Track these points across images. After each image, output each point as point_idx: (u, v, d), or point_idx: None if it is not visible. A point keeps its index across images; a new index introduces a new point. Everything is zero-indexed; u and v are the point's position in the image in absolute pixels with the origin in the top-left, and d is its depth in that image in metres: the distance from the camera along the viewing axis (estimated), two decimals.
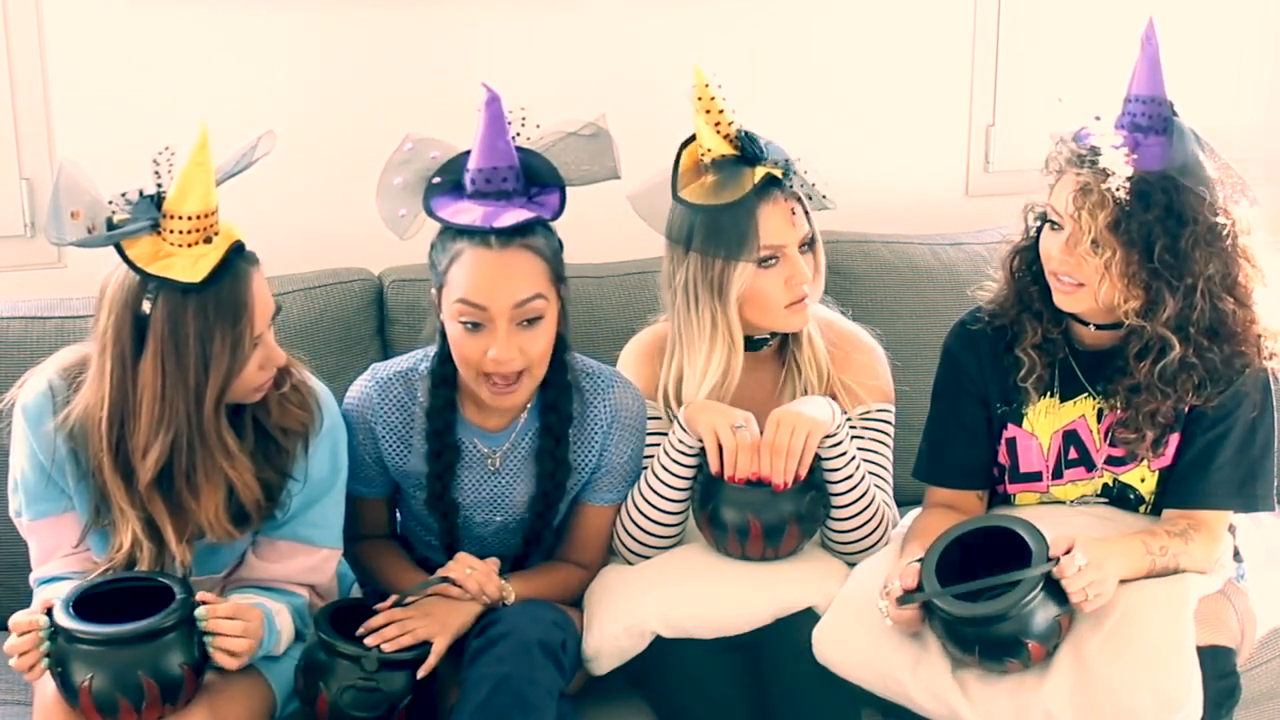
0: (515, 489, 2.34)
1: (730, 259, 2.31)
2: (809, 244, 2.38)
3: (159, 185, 2.00)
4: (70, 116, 2.69)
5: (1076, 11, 3.39)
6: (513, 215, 2.16)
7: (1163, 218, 2.15)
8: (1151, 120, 2.19)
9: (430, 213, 2.21)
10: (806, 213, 2.37)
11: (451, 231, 2.19)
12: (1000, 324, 2.35)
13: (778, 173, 2.32)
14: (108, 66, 2.70)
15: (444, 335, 2.24)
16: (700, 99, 2.31)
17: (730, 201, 2.29)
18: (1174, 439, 2.27)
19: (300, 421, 2.14)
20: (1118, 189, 2.13)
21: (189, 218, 1.97)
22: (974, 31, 3.31)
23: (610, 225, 2.79)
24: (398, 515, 2.47)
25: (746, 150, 2.32)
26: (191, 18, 2.73)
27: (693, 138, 2.36)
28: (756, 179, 2.30)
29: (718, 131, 2.32)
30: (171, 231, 1.98)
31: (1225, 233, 2.17)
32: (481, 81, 2.19)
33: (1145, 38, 2.22)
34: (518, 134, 2.22)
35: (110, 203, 2.01)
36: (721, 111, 2.32)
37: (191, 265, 1.96)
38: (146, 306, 1.97)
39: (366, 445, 2.31)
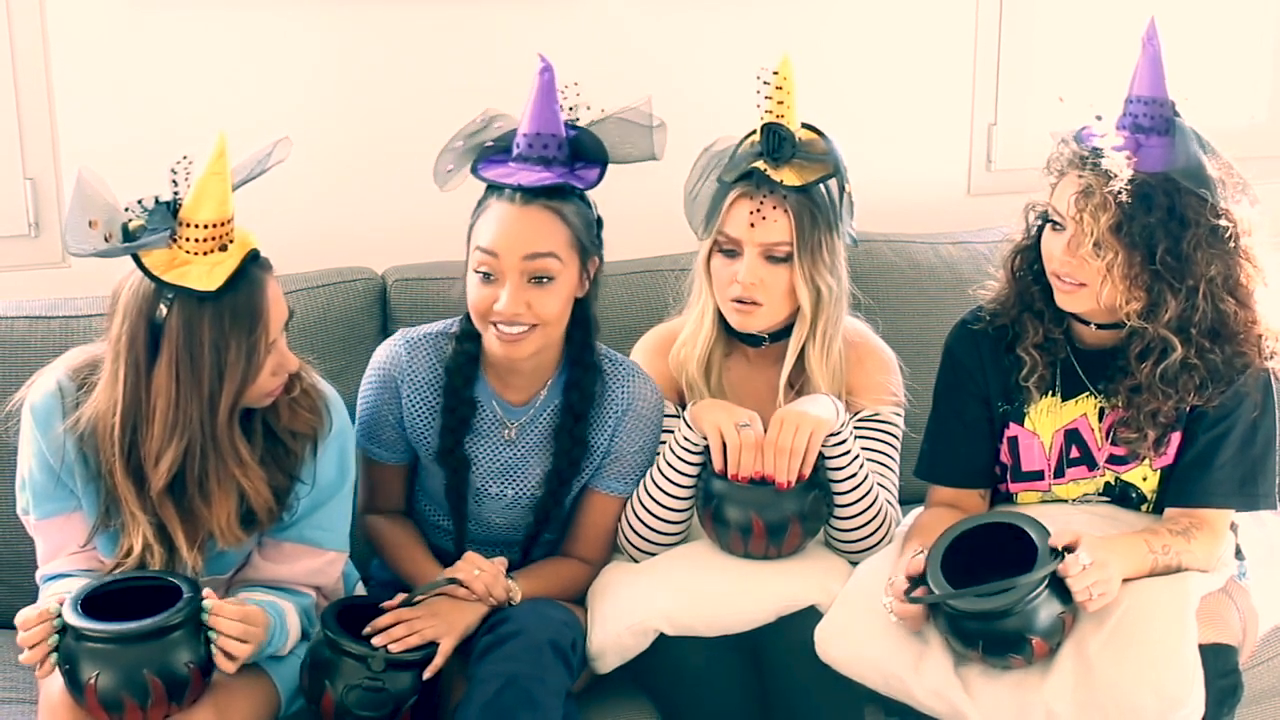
0: (529, 463, 2.35)
1: (692, 226, 2.42)
2: (782, 258, 2.35)
3: (175, 193, 2.00)
4: (74, 116, 2.69)
5: (1078, 10, 3.40)
6: (542, 177, 2.23)
7: (1165, 220, 2.15)
8: (1153, 121, 2.19)
9: (475, 172, 2.26)
10: (802, 233, 2.33)
11: (488, 191, 2.25)
12: (1001, 323, 2.35)
13: (770, 171, 2.32)
14: (111, 66, 2.70)
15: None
16: (765, 84, 2.35)
17: (719, 177, 2.36)
18: (1175, 438, 2.27)
19: (310, 425, 2.14)
20: (1120, 192, 2.13)
21: (205, 225, 1.97)
22: (976, 30, 3.31)
23: (614, 225, 2.79)
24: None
25: (765, 143, 2.34)
26: (195, 17, 2.74)
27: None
28: (746, 167, 2.33)
29: (770, 115, 2.36)
30: (187, 239, 1.98)
31: (1227, 234, 2.17)
32: (537, 52, 2.24)
33: (1146, 38, 2.22)
34: (572, 107, 2.28)
35: (126, 209, 2.01)
36: (782, 102, 2.35)
37: (207, 274, 1.97)
38: (162, 314, 1.97)
39: (390, 405, 2.33)
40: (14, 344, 2.47)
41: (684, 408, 2.41)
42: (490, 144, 2.28)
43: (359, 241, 2.71)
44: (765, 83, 2.35)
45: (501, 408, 2.34)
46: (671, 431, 2.38)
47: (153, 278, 1.97)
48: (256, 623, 2.03)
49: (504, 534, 2.36)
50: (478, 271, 2.23)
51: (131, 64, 2.71)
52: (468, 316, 2.30)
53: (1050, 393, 2.33)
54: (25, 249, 2.72)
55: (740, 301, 2.37)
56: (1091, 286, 2.20)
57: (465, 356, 2.32)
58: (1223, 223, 2.16)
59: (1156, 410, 2.23)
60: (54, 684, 2.01)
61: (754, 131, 2.37)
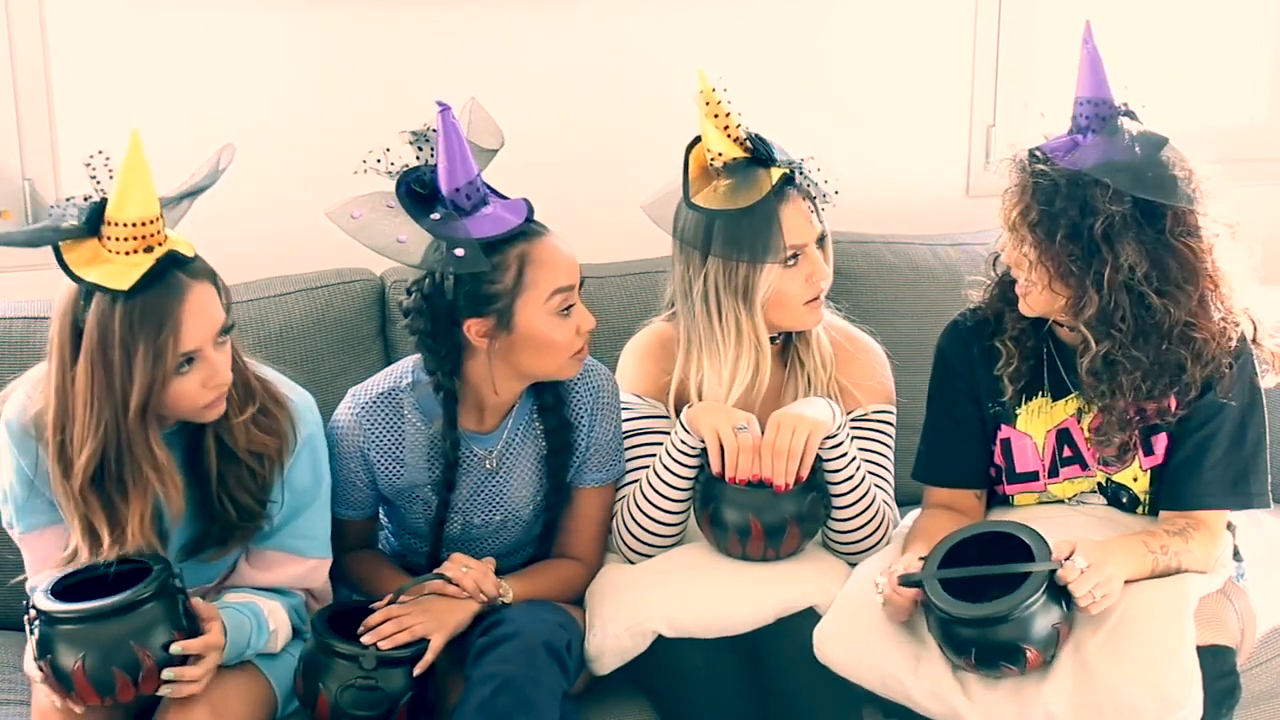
0: (511, 484, 2.35)
1: (757, 262, 2.32)
2: (820, 239, 2.39)
3: (98, 187, 1.99)
4: (73, 117, 2.69)
5: (1077, 12, 3.39)
6: (518, 205, 2.22)
7: (1066, 209, 2.14)
8: (1089, 120, 2.20)
9: (474, 240, 2.16)
10: (817, 208, 2.39)
11: (498, 247, 2.18)
12: (984, 317, 2.36)
13: (795, 173, 2.34)
14: (110, 67, 2.71)
15: (457, 352, 2.25)
16: (708, 104, 2.32)
17: (750, 204, 2.30)
18: (1162, 439, 2.27)
19: (271, 447, 2.12)
20: (1027, 185, 2.16)
21: (126, 224, 1.95)
22: (975, 32, 3.31)
23: (611, 226, 2.79)
24: (383, 533, 2.48)
25: (758, 151, 2.33)
26: (194, 18, 2.74)
27: (695, 141, 2.37)
28: (774, 180, 2.31)
29: (727, 135, 2.33)
30: (111, 238, 1.96)
31: (1160, 226, 2.15)
32: (435, 99, 2.18)
33: (1083, 40, 2.23)
34: (384, 164, 2.24)
35: (53, 206, 2.00)
36: (729, 115, 2.33)
37: (123, 272, 1.94)
38: (82, 312, 1.96)
39: (359, 472, 2.32)
40: (12, 344, 2.48)
41: (678, 410, 2.41)
42: (436, 216, 2.19)
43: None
44: (706, 104, 2.32)
45: (478, 443, 2.33)
46: (666, 433, 2.39)
47: (70, 274, 1.96)
48: (215, 645, 2.02)
49: (496, 553, 2.36)
50: (560, 312, 2.21)
51: (130, 65, 2.71)
52: (446, 373, 2.25)
53: (1040, 392, 2.33)
54: (25, 249, 2.71)
55: (813, 300, 2.38)
56: (1037, 286, 2.21)
57: (453, 416, 2.28)
58: (1116, 210, 2.13)
59: (1111, 408, 2.23)
60: (44, 691, 2.01)
61: (713, 155, 2.33)
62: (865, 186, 2.49)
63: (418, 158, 2.24)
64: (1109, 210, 2.13)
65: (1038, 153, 2.20)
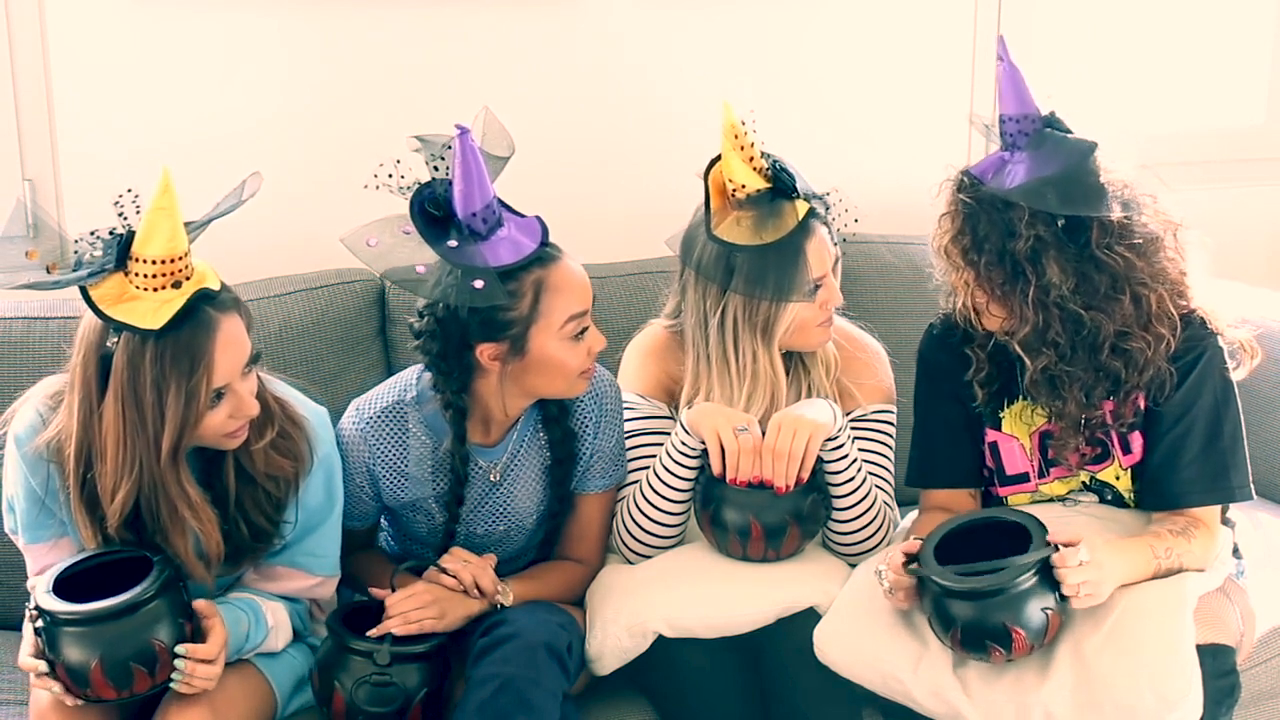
0: (515, 495, 2.36)
1: (781, 300, 2.32)
2: (834, 263, 2.39)
3: (126, 224, 1.96)
4: (73, 117, 2.69)
5: (1077, 11, 3.40)
6: (531, 225, 2.21)
7: (989, 234, 2.16)
8: (1014, 137, 2.20)
9: (492, 270, 2.13)
10: (833, 234, 2.38)
11: (514, 273, 2.16)
12: (952, 326, 2.37)
13: (817, 206, 2.34)
14: (110, 67, 2.71)
15: (467, 373, 2.24)
16: (736, 136, 2.30)
17: (774, 240, 2.29)
18: (1139, 436, 2.27)
19: (289, 469, 2.11)
20: (957, 213, 2.19)
21: (154, 261, 1.93)
22: (974, 32, 3.32)
23: (611, 226, 2.80)
24: (384, 535, 2.48)
25: (782, 183, 2.32)
26: (195, 18, 2.74)
27: (712, 164, 2.34)
28: (799, 215, 2.30)
29: (750, 166, 2.31)
30: (138, 274, 1.93)
31: (1083, 240, 2.16)
32: (455, 124, 2.15)
33: (998, 57, 2.23)
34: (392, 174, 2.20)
35: (76, 240, 1.97)
36: (753, 145, 2.31)
37: (153, 311, 1.92)
38: (111, 347, 1.94)
39: (363, 485, 2.32)
40: (11, 344, 2.47)
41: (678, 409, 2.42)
42: (453, 244, 2.15)
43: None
44: (735, 136, 2.29)
45: (483, 456, 2.33)
46: (666, 434, 2.39)
47: (98, 312, 1.93)
48: (218, 645, 2.01)
49: (499, 558, 2.37)
50: (574, 336, 2.21)
51: (130, 65, 2.71)
52: (454, 390, 2.24)
53: (1020, 395, 2.33)
54: (24, 250, 2.72)
55: (826, 321, 2.38)
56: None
57: (462, 432, 2.28)
58: (1037, 233, 2.14)
59: (1061, 416, 2.24)
60: (43, 691, 2.01)
61: (735, 186, 2.31)
62: (865, 187, 2.49)
63: (433, 177, 2.20)
64: (1028, 233, 2.14)
65: (965, 177, 2.21)
